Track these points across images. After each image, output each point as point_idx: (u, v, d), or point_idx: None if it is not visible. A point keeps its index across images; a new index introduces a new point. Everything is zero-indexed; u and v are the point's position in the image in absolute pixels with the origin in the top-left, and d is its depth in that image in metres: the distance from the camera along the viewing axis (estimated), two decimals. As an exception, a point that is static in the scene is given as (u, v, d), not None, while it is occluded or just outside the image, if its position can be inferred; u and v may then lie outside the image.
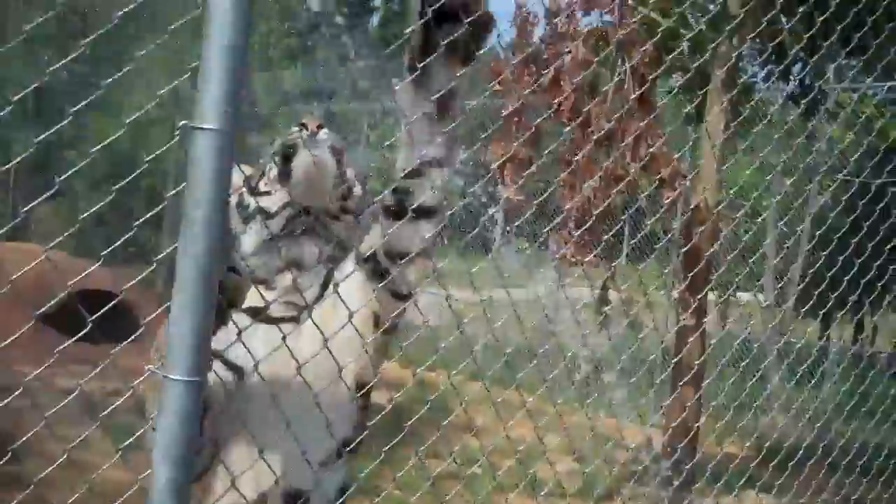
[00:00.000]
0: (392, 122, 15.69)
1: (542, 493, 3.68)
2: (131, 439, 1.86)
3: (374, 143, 15.96)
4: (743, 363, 4.65)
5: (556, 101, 5.70)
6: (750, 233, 7.44)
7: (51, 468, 1.94)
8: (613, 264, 6.18)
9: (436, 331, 2.83)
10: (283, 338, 2.06)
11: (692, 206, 5.40)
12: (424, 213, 2.22)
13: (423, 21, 2.09)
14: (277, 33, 17.98)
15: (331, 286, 2.28)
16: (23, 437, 1.97)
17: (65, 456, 1.90)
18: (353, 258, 2.34)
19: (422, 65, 2.12)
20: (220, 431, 2.18)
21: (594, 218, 5.07)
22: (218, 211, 1.69)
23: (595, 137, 5.15)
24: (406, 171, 2.21)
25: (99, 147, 2.24)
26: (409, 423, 2.51)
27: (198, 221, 1.68)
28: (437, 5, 2.07)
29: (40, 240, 12.37)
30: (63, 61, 3.08)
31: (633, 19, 5.49)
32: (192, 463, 1.73)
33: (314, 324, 2.15)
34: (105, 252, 2.19)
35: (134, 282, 2.26)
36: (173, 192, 1.82)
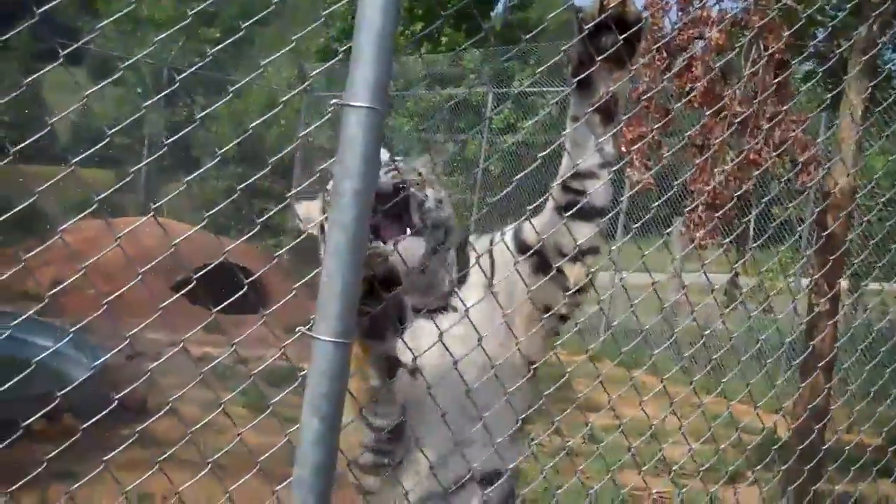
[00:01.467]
0: (512, 106, 15.77)
1: (668, 473, 3.75)
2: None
3: (496, 126, 16.08)
4: (880, 351, 4.60)
5: (687, 85, 5.71)
6: (890, 222, 7.25)
7: (191, 428, 2.07)
8: (747, 248, 6.16)
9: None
10: (441, 331, 2.14)
11: (828, 192, 5.34)
12: (597, 212, 2.31)
13: (581, 35, 2.21)
14: (404, 19, 18.25)
15: (487, 276, 2.38)
16: (156, 399, 2.15)
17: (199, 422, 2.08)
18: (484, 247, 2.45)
19: (583, 76, 2.23)
20: (412, 430, 2.24)
21: (726, 202, 5.09)
22: (366, 183, 1.79)
23: (729, 122, 5.16)
24: (579, 172, 2.28)
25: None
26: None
27: (347, 192, 1.78)
28: (594, 23, 2.17)
29: (172, 214, 12.96)
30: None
31: (767, 5, 5.45)
32: (339, 418, 1.81)
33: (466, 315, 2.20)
34: (232, 227, 2.36)
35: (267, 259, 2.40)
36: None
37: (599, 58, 2.19)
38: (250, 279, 2.08)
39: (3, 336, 2.00)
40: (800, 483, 4.30)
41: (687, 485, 5.35)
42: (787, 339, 4.22)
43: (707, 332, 3.47)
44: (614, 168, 2.32)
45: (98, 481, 1.91)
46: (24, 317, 2.04)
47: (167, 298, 2.22)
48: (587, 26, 2.18)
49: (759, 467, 4.62)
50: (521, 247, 2.38)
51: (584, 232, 2.29)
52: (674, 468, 4.13)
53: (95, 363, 6.83)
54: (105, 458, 1.88)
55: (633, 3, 2.22)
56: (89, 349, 7.38)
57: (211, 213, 2.09)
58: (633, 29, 2.20)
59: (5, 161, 1.91)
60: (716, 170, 5.41)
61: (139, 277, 1.94)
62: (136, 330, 2.02)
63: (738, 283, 5.75)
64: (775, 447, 4.05)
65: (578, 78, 2.22)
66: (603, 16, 2.16)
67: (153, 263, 2.09)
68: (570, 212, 2.28)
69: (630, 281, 3.18)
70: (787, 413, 5.19)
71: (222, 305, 2.06)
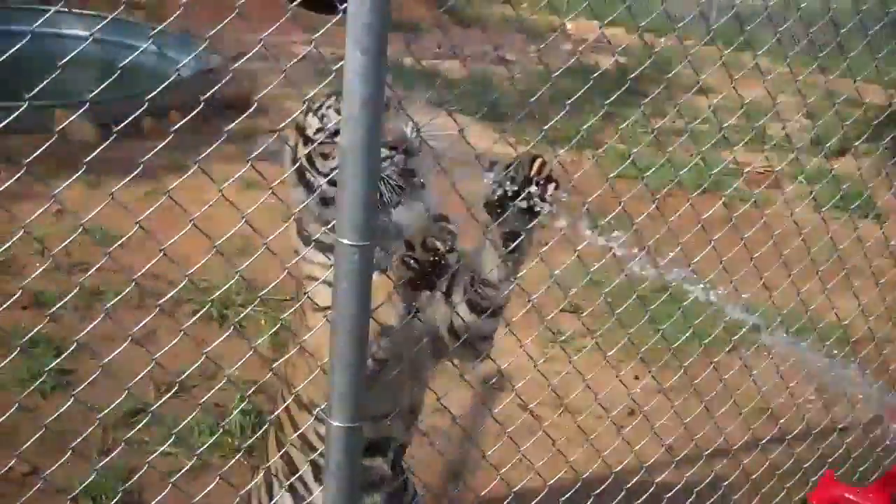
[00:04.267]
0: None
1: (770, 146, 3.77)
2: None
3: None
4: None
5: None
6: None
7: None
8: None
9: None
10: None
11: None
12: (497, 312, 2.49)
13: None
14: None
15: None
16: (261, 94, 2.23)
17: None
18: None
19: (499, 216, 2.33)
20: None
21: None
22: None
23: None
24: (484, 280, 2.42)
25: None
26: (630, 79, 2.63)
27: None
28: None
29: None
30: None
31: None
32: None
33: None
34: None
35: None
36: None
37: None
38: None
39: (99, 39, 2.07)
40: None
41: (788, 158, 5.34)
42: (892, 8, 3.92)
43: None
44: (512, 288, 2.42)
45: (205, 172, 2.05)
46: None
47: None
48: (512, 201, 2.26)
49: (862, 140, 4.57)
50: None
51: (487, 325, 2.45)
52: (772, 143, 4.15)
53: (198, 64, 7.01)
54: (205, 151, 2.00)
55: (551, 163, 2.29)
56: (193, 51, 7.53)
57: None
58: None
59: None
60: None
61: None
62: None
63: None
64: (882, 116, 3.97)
65: (498, 222, 2.30)
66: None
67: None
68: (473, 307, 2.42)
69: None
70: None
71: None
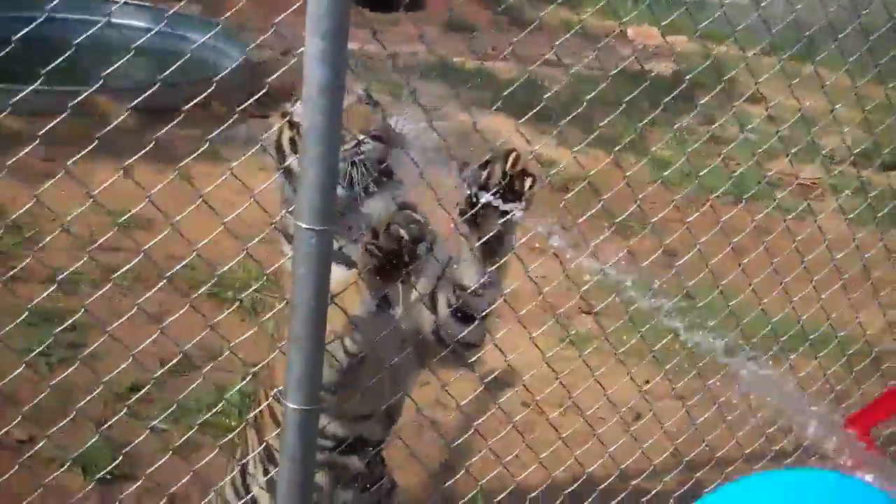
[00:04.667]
0: None
1: (829, 159, 3.69)
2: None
3: None
4: None
5: None
6: None
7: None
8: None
9: (734, 7, 2.82)
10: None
11: None
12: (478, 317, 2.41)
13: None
14: None
15: None
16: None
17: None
18: None
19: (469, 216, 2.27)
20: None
21: None
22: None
23: None
24: (464, 287, 2.35)
25: None
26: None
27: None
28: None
29: None
30: None
31: None
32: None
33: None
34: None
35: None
36: None
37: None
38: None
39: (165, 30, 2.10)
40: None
41: (837, 171, 5.25)
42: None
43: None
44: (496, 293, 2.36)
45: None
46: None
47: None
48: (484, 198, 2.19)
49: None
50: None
51: (469, 332, 2.38)
52: (823, 152, 4.08)
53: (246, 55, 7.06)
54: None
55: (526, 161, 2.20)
56: (243, 44, 7.61)
57: None
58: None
59: None
60: None
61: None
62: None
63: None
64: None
65: (465, 218, 2.23)
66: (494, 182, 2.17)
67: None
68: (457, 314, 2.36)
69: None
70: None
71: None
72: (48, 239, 2.20)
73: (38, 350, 2.59)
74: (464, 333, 2.38)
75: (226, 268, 2.25)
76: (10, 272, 2.51)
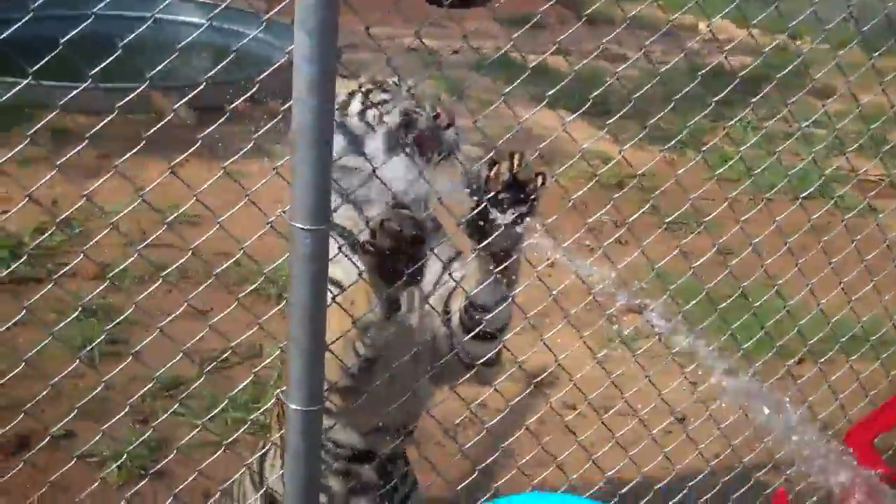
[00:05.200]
0: None
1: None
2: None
3: None
4: None
5: None
6: None
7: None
8: None
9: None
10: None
11: None
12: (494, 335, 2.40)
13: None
14: None
15: None
16: None
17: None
18: None
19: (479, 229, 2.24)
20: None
21: None
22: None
23: None
24: (475, 304, 2.33)
25: None
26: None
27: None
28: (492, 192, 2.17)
29: None
30: None
31: None
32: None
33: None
34: None
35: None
36: None
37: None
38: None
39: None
40: None
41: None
42: None
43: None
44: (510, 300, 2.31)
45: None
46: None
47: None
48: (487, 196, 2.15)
49: None
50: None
51: (484, 349, 2.36)
52: (884, 147, 3.94)
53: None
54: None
55: (527, 166, 2.15)
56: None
57: None
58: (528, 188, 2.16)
59: None
60: None
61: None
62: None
63: None
64: None
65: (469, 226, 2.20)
66: (499, 184, 2.14)
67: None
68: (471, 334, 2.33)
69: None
70: None
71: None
72: (100, 236, 2.22)
73: (82, 345, 2.61)
74: (478, 350, 2.36)
75: (273, 266, 2.23)
76: (60, 269, 2.54)
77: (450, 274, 2.31)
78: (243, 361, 3.99)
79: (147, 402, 3.69)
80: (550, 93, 2.25)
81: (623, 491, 2.87)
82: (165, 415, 2.58)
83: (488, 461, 2.69)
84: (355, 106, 2.42)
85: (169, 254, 2.59)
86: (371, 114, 2.39)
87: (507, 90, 2.22)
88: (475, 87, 6.31)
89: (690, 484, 3.01)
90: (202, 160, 2.48)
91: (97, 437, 2.49)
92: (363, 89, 2.45)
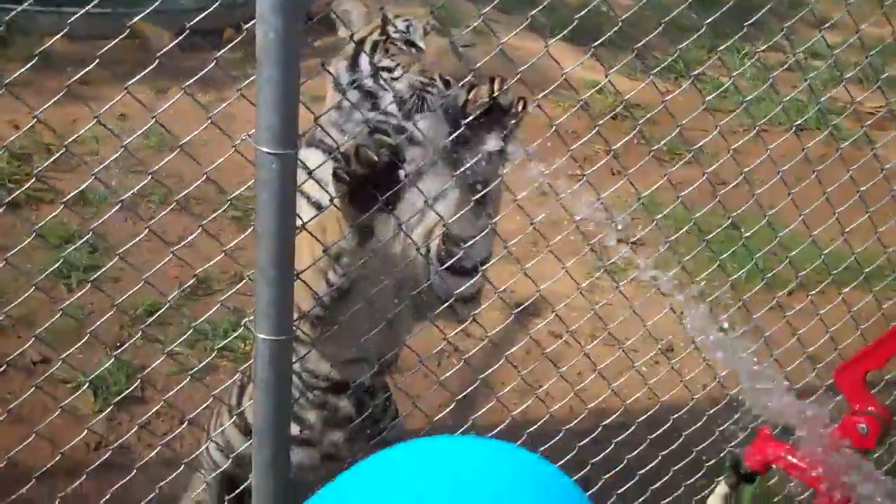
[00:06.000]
0: None
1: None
2: None
3: None
4: None
5: None
6: None
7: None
8: None
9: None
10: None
11: None
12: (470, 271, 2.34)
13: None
14: None
15: None
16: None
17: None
18: None
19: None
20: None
21: None
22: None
23: None
24: (451, 236, 2.29)
25: None
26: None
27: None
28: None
29: None
30: None
31: None
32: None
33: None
34: None
35: None
36: None
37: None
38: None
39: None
40: None
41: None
42: None
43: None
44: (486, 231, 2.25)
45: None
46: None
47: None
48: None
49: None
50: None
51: (459, 283, 2.32)
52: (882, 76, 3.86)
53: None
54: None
55: (507, 91, 2.08)
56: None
57: None
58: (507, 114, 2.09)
59: None
60: None
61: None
62: None
63: None
64: None
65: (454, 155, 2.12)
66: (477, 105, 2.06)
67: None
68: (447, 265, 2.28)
69: None
70: None
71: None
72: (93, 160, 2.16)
73: (61, 278, 2.59)
74: (457, 286, 2.32)
75: (241, 189, 2.18)
76: (40, 195, 2.50)
77: (426, 202, 2.24)
78: (225, 289, 3.96)
79: (125, 330, 3.67)
80: (533, 13, 2.16)
81: (607, 422, 2.86)
82: (134, 340, 2.54)
83: (466, 392, 2.68)
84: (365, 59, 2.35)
85: (150, 181, 2.55)
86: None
87: (485, 10, 2.14)
88: (466, 15, 6.20)
89: (674, 416, 3.00)
90: (193, 87, 2.42)
91: (68, 363, 2.47)
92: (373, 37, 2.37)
